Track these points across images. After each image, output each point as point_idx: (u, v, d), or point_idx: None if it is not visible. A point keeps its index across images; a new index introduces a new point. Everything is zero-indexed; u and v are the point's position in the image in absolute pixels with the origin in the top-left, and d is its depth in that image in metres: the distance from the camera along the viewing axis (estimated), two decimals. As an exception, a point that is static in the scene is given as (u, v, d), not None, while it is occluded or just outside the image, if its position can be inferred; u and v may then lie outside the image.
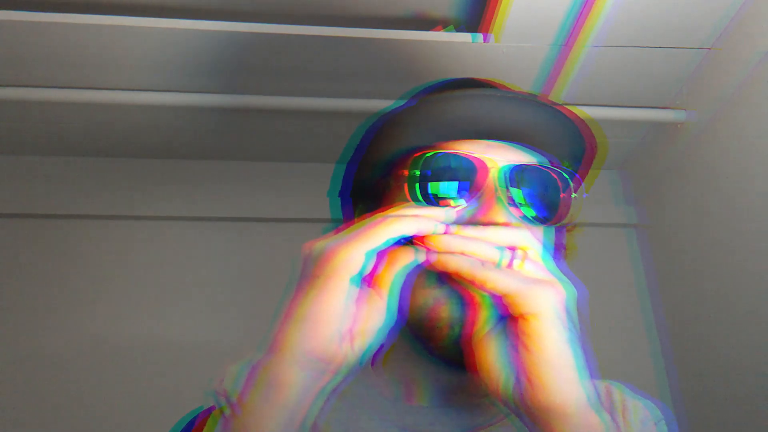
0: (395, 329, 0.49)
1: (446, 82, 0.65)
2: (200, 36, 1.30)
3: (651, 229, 1.78)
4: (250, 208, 1.74)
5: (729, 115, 1.40)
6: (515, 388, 0.46)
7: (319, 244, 0.47)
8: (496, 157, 0.56)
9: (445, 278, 0.51)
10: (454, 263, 0.47)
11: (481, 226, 0.50)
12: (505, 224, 0.53)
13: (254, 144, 1.72)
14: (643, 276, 1.77)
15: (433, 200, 0.55)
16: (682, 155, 1.59)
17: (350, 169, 0.65)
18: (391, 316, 0.48)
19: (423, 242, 0.48)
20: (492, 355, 0.48)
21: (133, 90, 1.44)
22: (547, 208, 0.56)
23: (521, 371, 0.46)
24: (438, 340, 0.52)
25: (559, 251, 0.61)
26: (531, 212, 0.55)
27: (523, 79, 1.44)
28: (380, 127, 0.62)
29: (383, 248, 0.47)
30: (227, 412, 0.58)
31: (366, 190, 0.64)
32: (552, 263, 0.49)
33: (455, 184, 0.55)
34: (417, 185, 0.55)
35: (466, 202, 0.55)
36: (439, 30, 1.35)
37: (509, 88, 0.62)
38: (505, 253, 0.47)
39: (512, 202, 0.55)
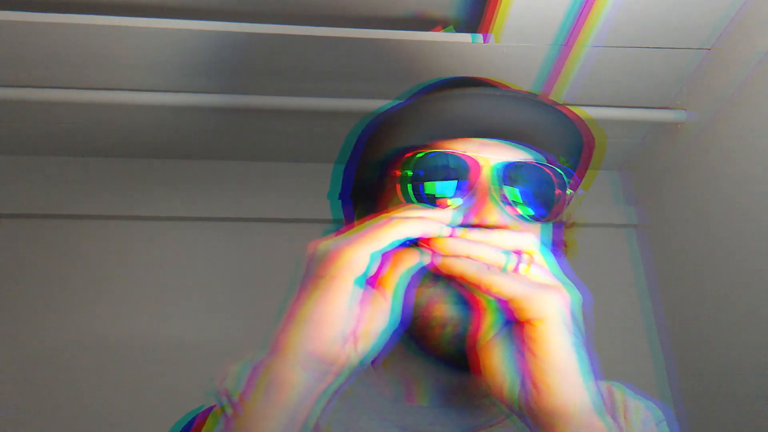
0: (398, 331, 0.49)
1: (441, 81, 0.65)
2: (200, 36, 1.30)
3: (651, 229, 1.78)
4: (250, 208, 1.74)
5: (729, 115, 1.40)
6: (520, 393, 0.46)
7: (324, 244, 0.47)
8: (490, 156, 0.55)
9: (450, 281, 0.50)
10: (459, 266, 0.47)
11: (487, 230, 0.49)
12: (502, 226, 0.52)
13: (254, 144, 1.72)
14: (643, 276, 1.77)
15: (426, 200, 0.55)
16: (682, 155, 1.59)
17: (349, 169, 0.65)
18: (395, 318, 0.48)
19: (428, 244, 0.48)
20: (497, 360, 0.48)
21: (133, 90, 1.44)
22: (542, 206, 0.56)
23: (527, 376, 0.46)
24: (442, 343, 0.52)
25: (558, 249, 0.61)
26: (525, 210, 0.55)
27: (523, 79, 1.44)
28: (375, 127, 0.61)
29: (388, 250, 0.46)
30: (228, 411, 0.58)
31: (364, 190, 0.63)
32: (557, 267, 0.49)
33: (448, 183, 0.55)
34: (409, 185, 0.55)
35: (460, 201, 0.54)
36: (439, 30, 1.34)
37: (504, 86, 0.62)
38: (511, 257, 0.47)
39: (506, 200, 0.54)
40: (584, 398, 0.45)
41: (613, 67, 1.43)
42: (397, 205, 0.56)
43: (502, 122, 0.57)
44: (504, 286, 0.45)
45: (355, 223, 0.64)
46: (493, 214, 0.53)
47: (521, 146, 0.58)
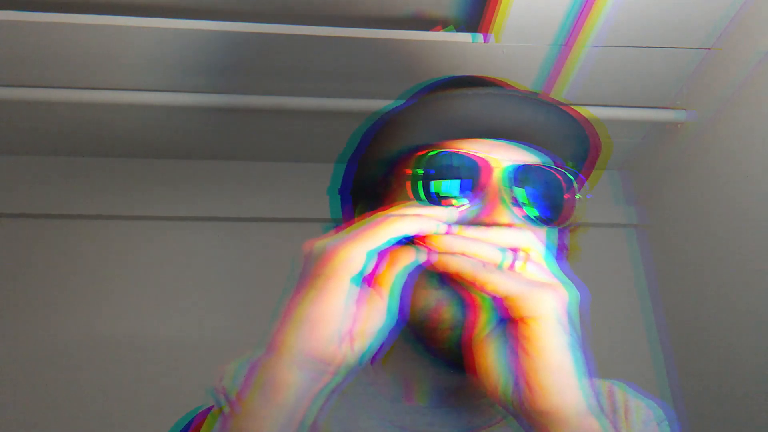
0: (395, 329, 0.49)
1: (449, 79, 0.64)
2: (200, 36, 1.30)
3: (651, 229, 1.78)
4: (250, 208, 1.74)
5: (729, 115, 1.40)
6: (514, 392, 0.46)
7: (320, 243, 0.47)
8: (501, 157, 0.55)
9: (446, 279, 0.50)
10: (455, 264, 0.47)
11: (484, 227, 0.49)
12: (509, 225, 0.52)
13: (254, 144, 1.72)
14: (643, 276, 1.77)
15: (436, 199, 0.54)
16: (682, 155, 1.59)
17: (351, 167, 0.64)
18: (392, 316, 0.47)
19: (424, 242, 0.48)
20: (491, 358, 0.47)
21: (133, 90, 1.44)
22: (551, 209, 0.56)
23: (520, 375, 0.45)
24: (438, 341, 0.52)
25: (562, 252, 0.61)
26: (535, 213, 0.55)
27: (523, 79, 1.44)
28: (382, 125, 0.61)
29: (384, 248, 0.46)
30: (226, 409, 0.58)
31: (367, 188, 0.63)
32: (554, 265, 0.48)
33: (459, 183, 0.54)
34: (420, 184, 0.55)
35: (470, 201, 0.54)
36: (439, 30, 1.34)
37: (513, 87, 0.62)
38: (507, 255, 0.46)
39: (516, 202, 0.54)
40: (578, 398, 0.45)
41: (613, 67, 1.43)
42: (402, 202, 0.56)
43: (512, 123, 0.57)
44: (499, 283, 0.45)
45: (355, 220, 0.64)
46: (504, 216, 0.53)
47: (531, 148, 0.58)
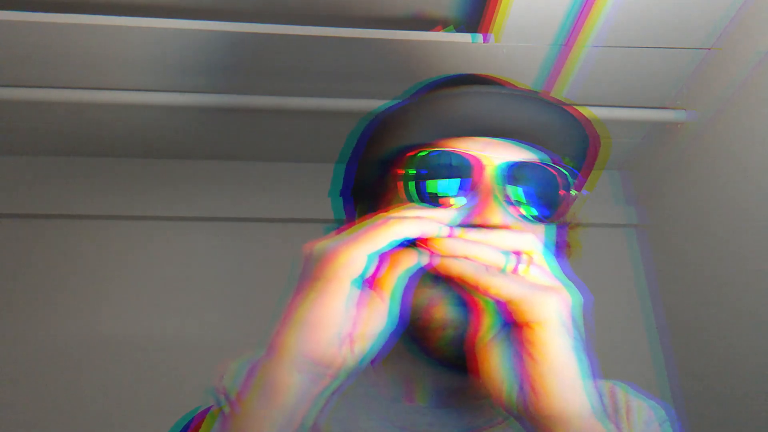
0: (396, 332, 0.48)
1: (444, 79, 0.64)
2: (200, 36, 1.30)
3: (651, 229, 1.78)
4: (250, 208, 1.74)
5: (729, 115, 1.40)
6: (519, 396, 0.45)
7: (320, 245, 0.46)
8: (493, 155, 0.55)
9: (449, 282, 0.49)
10: (457, 267, 0.46)
11: (486, 229, 0.48)
12: (503, 224, 0.52)
13: (254, 144, 1.72)
14: (643, 276, 1.77)
15: (429, 199, 0.54)
16: (682, 155, 1.59)
17: (350, 168, 0.64)
18: (393, 319, 0.47)
19: (426, 244, 0.47)
20: (495, 362, 0.47)
21: (133, 90, 1.44)
22: (547, 206, 0.55)
23: (525, 379, 0.45)
24: (439, 345, 0.51)
25: (561, 249, 0.60)
26: (529, 211, 0.54)
27: (523, 80, 1.44)
28: (377, 125, 0.60)
29: (386, 250, 0.46)
30: (226, 409, 0.58)
31: (366, 189, 0.63)
32: (558, 268, 0.48)
33: (451, 182, 0.54)
34: (411, 184, 0.54)
35: (463, 200, 0.53)
36: (439, 30, 1.34)
37: (509, 84, 0.61)
38: (510, 258, 0.46)
39: (509, 200, 0.54)
40: (583, 402, 0.44)
41: (613, 67, 1.43)
42: (399, 203, 0.55)
43: (506, 121, 0.56)
44: (502, 287, 0.45)
45: (356, 221, 0.64)
46: (496, 214, 0.52)
47: (526, 146, 0.57)
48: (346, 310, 0.44)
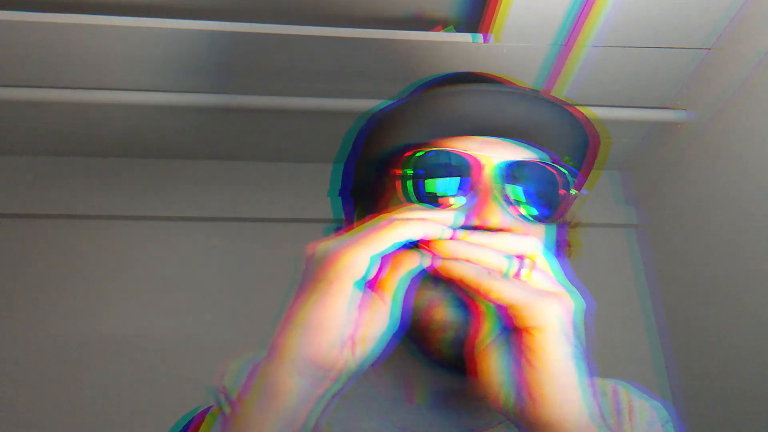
0: (398, 333, 0.48)
1: (440, 77, 0.63)
2: (200, 36, 1.30)
3: (651, 229, 1.78)
4: (250, 208, 1.74)
5: (729, 115, 1.40)
6: (516, 402, 0.45)
7: (323, 246, 0.45)
8: (492, 154, 0.54)
9: (450, 285, 0.48)
10: (459, 270, 0.46)
11: (489, 232, 0.48)
12: (504, 226, 0.51)
13: (254, 144, 1.72)
14: (643, 276, 1.77)
15: (427, 199, 0.53)
16: (682, 155, 1.59)
17: (348, 168, 0.63)
18: (394, 321, 0.46)
19: (428, 246, 0.46)
20: (494, 367, 0.46)
21: (133, 90, 1.44)
22: (546, 206, 0.54)
23: (523, 386, 0.44)
24: (439, 347, 0.51)
25: (561, 249, 0.60)
26: (529, 210, 0.53)
27: (523, 80, 1.43)
28: (374, 124, 0.60)
29: (388, 252, 0.45)
30: (227, 410, 0.58)
31: (364, 189, 0.62)
32: (560, 272, 0.47)
33: (449, 182, 0.53)
34: (409, 184, 0.54)
35: (461, 201, 0.53)
36: (439, 30, 1.34)
37: (508, 82, 0.61)
38: (512, 262, 0.45)
39: (509, 200, 0.53)
40: (581, 411, 0.44)
41: (613, 67, 1.42)
42: (398, 204, 0.55)
43: (505, 120, 0.55)
44: (503, 291, 0.44)
45: (356, 222, 0.63)
46: (495, 214, 0.52)
47: (525, 144, 0.57)
48: (348, 312, 0.44)
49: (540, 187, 0.54)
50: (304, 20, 1.31)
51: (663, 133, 1.64)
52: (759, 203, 1.31)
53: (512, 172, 0.54)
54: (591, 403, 0.45)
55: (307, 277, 0.46)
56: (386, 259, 0.46)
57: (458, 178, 0.53)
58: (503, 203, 0.53)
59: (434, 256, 0.46)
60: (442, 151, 0.55)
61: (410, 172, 0.54)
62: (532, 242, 0.47)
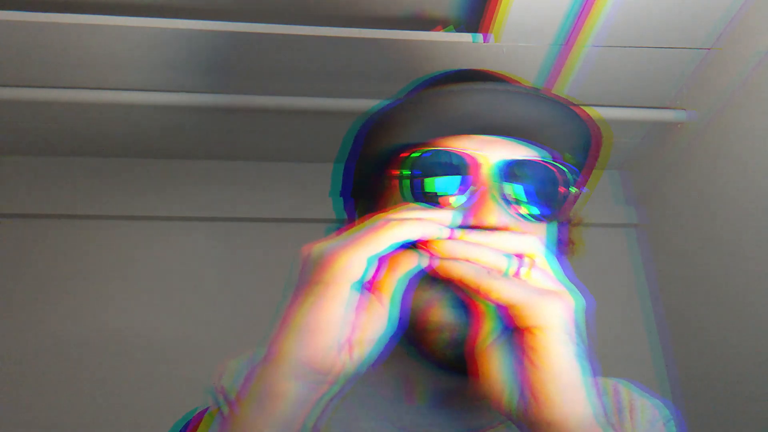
0: (396, 334, 0.47)
1: (439, 76, 0.63)
2: (200, 36, 1.30)
3: (651, 229, 1.77)
4: (250, 208, 1.74)
5: (729, 115, 1.40)
6: (519, 402, 0.44)
7: (319, 248, 0.45)
8: (490, 153, 0.53)
9: (449, 285, 0.47)
10: (458, 270, 0.45)
11: (488, 231, 0.47)
12: (503, 226, 0.50)
13: (254, 144, 1.72)
14: (643, 276, 1.77)
15: (426, 199, 0.53)
16: (682, 155, 1.59)
17: (348, 167, 0.63)
18: (392, 323, 0.46)
19: (426, 246, 0.46)
20: (495, 367, 0.46)
21: (132, 90, 1.44)
22: (547, 204, 0.54)
23: (525, 386, 0.44)
24: (439, 348, 0.50)
25: (563, 247, 0.59)
26: (529, 209, 0.53)
27: (523, 79, 1.44)
28: (372, 124, 0.59)
29: (386, 253, 0.44)
30: (225, 410, 0.58)
31: (364, 189, 0.62)
32: (560, 271, 0.47)
33: (447, 181, 0.53)
34: (407, 183, 0.53)
35: (459, 200, 0.52)
36: (439, 30, 1.34)
37: (507, 78, 0.60)
38: (512, 261, 0.45)
39: (508, 199, 0.52)
40: (585, 410, 0.43)
41: (613, 67, 1.42)
42: (397, 203, 0.55)
43: (504, 118, 0.55)
44: (503, 291, 0.43)
45: (356, 222, 0.63)
46: (494, 213, 0.51)
47: (525, 143, 0.56)
48: (346, 315, 0.43)
49: (540, 185, 0.54)
50: (304, 20, 1.31)
51: (663, 133, 1.64)
52: (759, 203, 1.31)
53: (511, 170, 0.53)
54: (595, 402, 0.44)
55: (304, 280, 0.45)
56: (384, 260, 0.45)
57: (457, 178, 0.53)
58: (502, 202, 0.52)
59: (432, 256, 0.46)
60: (440, 150, 0.54)
61: (408, 171, 0.54)
62: (531, 241, 0.46)
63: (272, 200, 1.74)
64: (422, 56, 1.36)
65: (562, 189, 0.55)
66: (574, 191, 0.55)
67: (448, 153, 0.54)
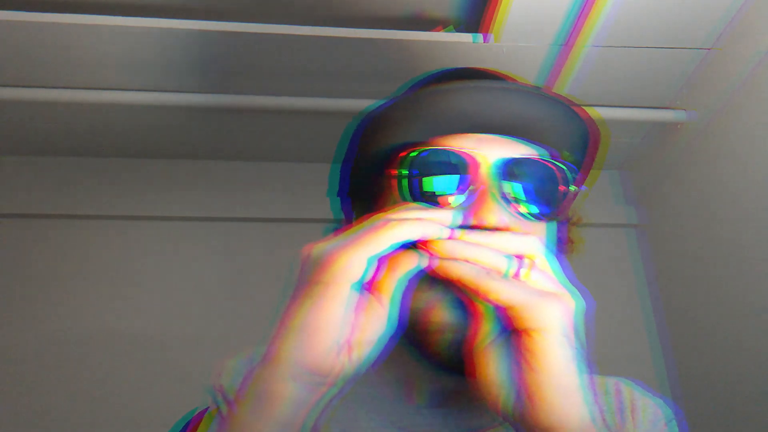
0: (395, 335, 0.47)
1: (436, 74, 0.62)
2: (200, 36, 1.30)
3: (651, 229, 1.77)
4: (250, 208, 1.74)
5: (729, 115, 1.40)
6: (515, 405, 0.44)
7: (318, 248, 0.44)
8: (489, 152, 0.53)
9: (448, 285, 0.47)
10: (457, 270, 0.45)
11: (488, 232, 0.47)
12: (502, 225, 0.50)
13: (254, 144, 1.72)
14: (643, 276, 1.77)
15: (424, 198, 0.53)
16: (682, 155, 1.59)
17: (345, 167, 0.62)
18: (392, 323, 0.45)
19: (426, 246, 0.45)
20: (493, 369, 0.46)
21: (132, 90, 1.44)
22: (546, 203, 0.53)
23: (522, 388, 0.44)
24: (438, 348, 0.50)
25: (562, 246, 0.59)
26: (528, 208, 0.52)
27: (523, 79, 1.44)
28: (369, 124, 0.59)
29: (385, 253, 0.44)
30: (224, 409, 0.58)
31: (361, 189, 0.62)
32: (560, 272, 0.46)
33: (446, 181, 0.52)
34: (405, 183, 0.53)
35: (458, 200, 0.52)
36: (439, 30, 1.34)
37: (505, 77, 0.60)
38: (512, 262, 0.44)
39: (507, 197, 0.52)
40: (582, 414, 0.43)
41: (613, 67, 1.42)
42: (395, 203, 0.54)
43: (502, 116, 0.54)
44: (502, 292, 0.43)
45: (354, 222, 0.63)
46: (494, 213, 0.50)
47: (524, 141, 0.55)
48: (345, 316, 0.43)
49: (539, 184, 0.53)
50: (304, 20, 1.31)
51: (663, 133, 1.64)
52: (759, 203, 1.31)
53: (510, 169, 0.53)
54: (592, 405, 0.44)
55: (303, 280, 0.44)
56: (383, 260, 0.45)
57: (456, 177, 0.52)
58: (502, 201, 0.52)
59: (432, 256, 0.45)
60: (438, 149, 0.54)
61: (407, 171, 0.53)
62: (531, 241, 0.46)
63: (272, 200, 1.74)
64: (422, 56, 1.36)
65: (561, 187, 0.54)
66: (573, 189, 0.55)
67: (446, 152, 0.53)
